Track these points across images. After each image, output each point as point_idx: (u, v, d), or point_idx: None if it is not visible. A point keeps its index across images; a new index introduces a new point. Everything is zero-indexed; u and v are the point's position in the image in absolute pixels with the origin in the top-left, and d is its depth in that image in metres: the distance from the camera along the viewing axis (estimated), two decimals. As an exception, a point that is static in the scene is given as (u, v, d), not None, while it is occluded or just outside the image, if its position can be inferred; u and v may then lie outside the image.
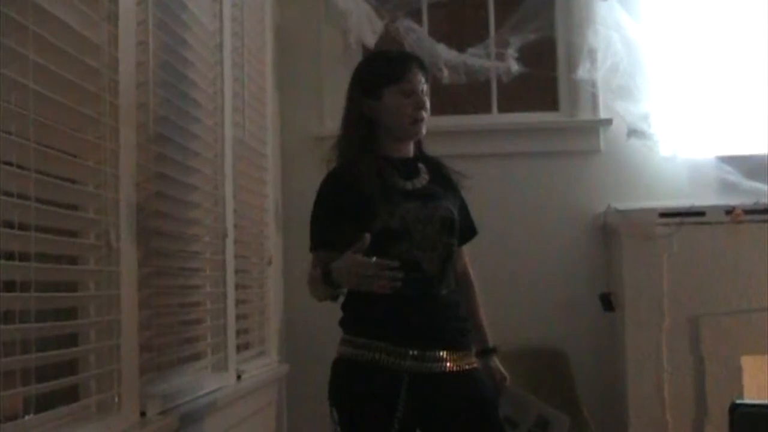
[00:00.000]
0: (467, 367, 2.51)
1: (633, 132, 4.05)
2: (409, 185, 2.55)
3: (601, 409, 3.94)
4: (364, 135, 2.57)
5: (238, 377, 3.20)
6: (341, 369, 2.49)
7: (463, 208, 2.67)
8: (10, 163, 1.72)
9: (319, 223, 2.51)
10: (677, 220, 3.82)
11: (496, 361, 2.69)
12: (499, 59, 4.12)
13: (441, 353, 2.46)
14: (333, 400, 2.48)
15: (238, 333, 3.27)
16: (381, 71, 2.61)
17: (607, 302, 3.97)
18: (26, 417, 1.82)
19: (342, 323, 2.54)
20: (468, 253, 2.72)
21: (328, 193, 2.55)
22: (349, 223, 2.45)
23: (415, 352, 2.43)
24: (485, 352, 2.68)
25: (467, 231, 2.68)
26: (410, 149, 2.64)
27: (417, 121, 2.56)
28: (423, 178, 2.59)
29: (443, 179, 2.65)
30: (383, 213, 2.45)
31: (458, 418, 2.48)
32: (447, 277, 2.53)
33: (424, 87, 2.59)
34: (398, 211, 2.47)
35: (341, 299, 2.53)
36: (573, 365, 3.94)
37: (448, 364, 2.47)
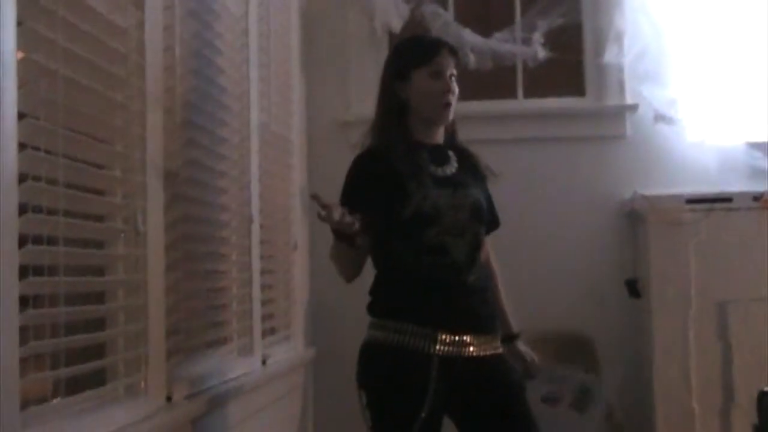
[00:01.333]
0: (493, 351, 2.52)
1: (660, 117, 4.02)
2: (440, 171, 2.55)
3: (627, 396, 3.92)
4: (397, 118, 2.58)
5: (264, 362, 3.21)
6: (371, 353, 2.50)
7: (489, 199, 2.68)
8: (38, 148, 1.73)
9: (346, 198, 2.49)
10: (705, 206, 3.79)
11: (522, 345, 2.70)
12: (525, 44, 4.10)
13: (469, 338, 2.47)
14: (362, 383, 2.49)
15: (263, 318, 3.28)
16: (411, 53, 2.63)
17: (633, 289, 3.95)
18: (55, 400, 1.83)
19: (371, 308, 2.55)
20: (491, 242, 2.72)
21: (360, 172, 2.55)
22: (380, 204, 2.45)
23: (445, 336, 2.44)
24: (510, 338, 2.68)
25: (491, 222, 2.68)
26: (441, 135, 2.64)
27: (445, 104, 2.56)
28: (453, 165, 2.59)
29: (472, 168, 2.65)
30: (416, 197, 2.46)
31: (486, 402, 2.49)
32: (475, 263, 2.53)
33: (454, 71, 2.60)
34: (430, 196, 2.47)
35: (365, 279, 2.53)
36: (599, 352, 3.92)
37: (475, 348, 2.48)
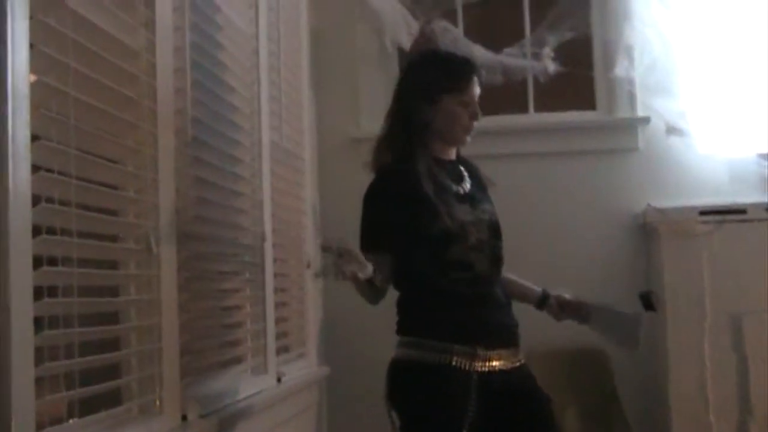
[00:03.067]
0: (518, 363, 2.55)
1: (672, 130, 4.01)
2: (460, 189, 2.58)
3: (642, 409, 3.90)
4: (419, 136, 2.57)
5: (278, 380, 3.21)
6: (406, 372, 2.48)
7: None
8: (51, 170, 1.74)
9: (373, 223, 2.50)
10: (718, 218, 3.78)
11: (561, 296, 2.71)
12: (535, 59, 4.10)
13: (500, 351, 2.50)
14: (396, 403, 2.46)
15: (277, 336, 3.28)
16: (442, 78, 2.60)
17: (648, 302, 3.92)
18: (70, 421, 1.83)
19: (401, 327, 2.54)
20: None
21: (385, 192, 2.54)
22: (406, 224, 2.46)
23: (482, 353, 2.46)
24: (545, 298, 2.70)
25: None
26: (454, 152, 2.67)
27: (469, 130, 2.59)
28: (467, 181, 2.62)
29: (479, 182, 2.68)
30: (443, 215, 2.47)
31: (520, 414, 2.50)
32: (497, 277, 2.57)
33: (478, 93, 2.62)
34: (455, 213, 2.49)
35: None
36: (614, 364, 3.91)
37: (504, 361, 2.50)
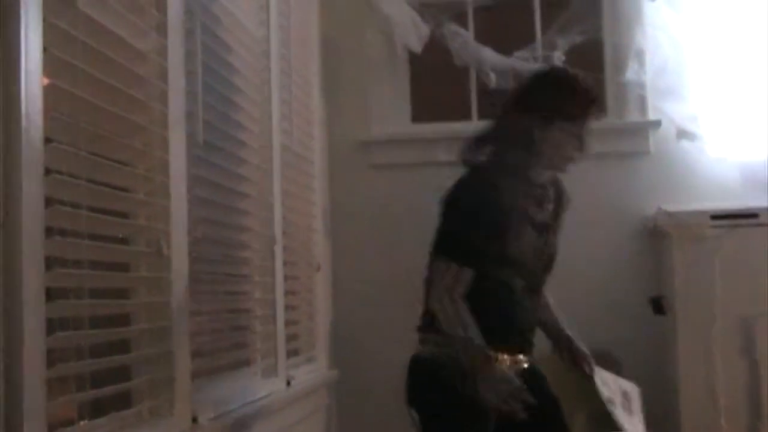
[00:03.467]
0: (532, 361, 2.65)
1: (682, 133, 4.01)
2: (539, 215, 2.61)
3: (652, 414, 3.89)
4: (521, 150, 2.56)
5: (288, 383, 3.22)
6: (432, 370, 2.53)
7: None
8: (63, 172, 1.75)
9: (470, 235, 2.49)
10: (729, 222, 3.76)
11: (578, 349, 2.80)
12: (545, 62, 4.10)
13: (519, 354, 2.60)
14: (419, 401, 2.53)
15: (287, 339, 3.28)
16: (562, 104, 2.58)
17: (658, 306, 3.92)
18: (81, 423, 1.84)
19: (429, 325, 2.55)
20: None
21: (482, 205, 2.50)
22: (485, 240, 2.48)
23: (506, 354, 2.53)
24: (563, 349, 2.80)
25: None
26: (549, 173, 2.68)
27: (571, 160, 2.60)
28: (549, 206, 2.65)
29: (560, 206, 2.70)
30: (515, 238, 2.51)
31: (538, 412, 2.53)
32: (537, 306, 2.69)
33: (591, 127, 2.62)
34: (524, 240, 2.54)
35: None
36: (623, 369, 3.89)
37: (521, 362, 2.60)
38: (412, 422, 2.47)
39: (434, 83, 4.30)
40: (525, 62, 4.10)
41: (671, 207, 3.89)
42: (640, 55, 4.03)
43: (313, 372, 3.66)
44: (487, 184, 2.53)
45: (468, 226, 2.48)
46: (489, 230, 2.47)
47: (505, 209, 2.49)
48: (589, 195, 4.09)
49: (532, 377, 2.57)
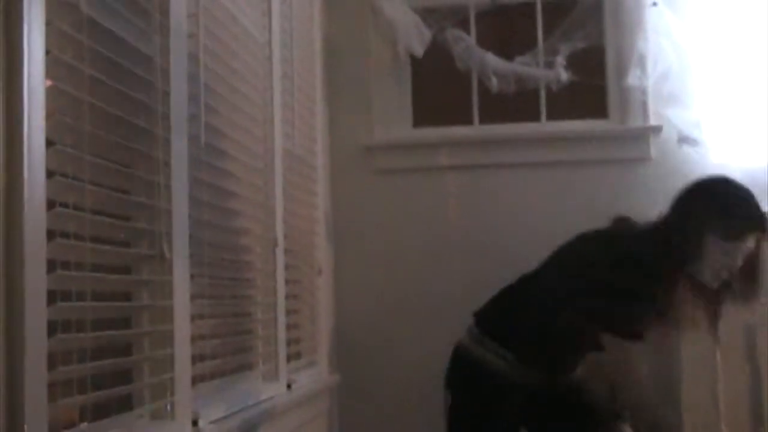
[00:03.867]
0: None
1: (684, 139, 4.00)
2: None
3: (654, 419, 3.88)
4: (670, 257, 2.57)
5: (289, 387, 3.21)
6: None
7: None
8: (65, 175, 1.75)
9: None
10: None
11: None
12: (548, 67, 4.10)
13: None
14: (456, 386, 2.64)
15: (288, 343, 3.28)
16: (719, 219, 2.58)
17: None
18: (82, 425, 1.84)
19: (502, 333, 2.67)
20: None
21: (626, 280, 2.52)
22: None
23: None
24: None
25: None
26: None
27: (717, 278, 2.59)
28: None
29: None
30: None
31: None
32: None
33: (751, 248, 2.58)
34: None
35: None
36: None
37: None
38: (444, 404, 2.51)
39: (436, 88, 4.31)
40: (527, 67, 4.11)
41: (673, 212, 3.88)
42: (642, 61, 4.03)
43: (314, 376, 3.66)
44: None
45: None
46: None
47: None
48: (591, 200, 4.10)
49: None
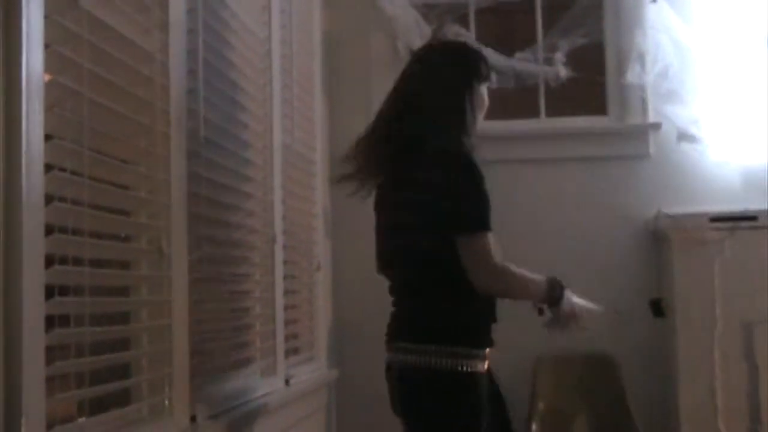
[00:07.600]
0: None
1: (683, 136, 4.01)
2: None
3: (651, 417, 3.89)
4: (465, 122, 2.52)
5: (287, 382, 3.21)
6: (437, 382, 2.39)
7: None
8: (64, 169, 1.75)
9: (486, 202, 2.40)
10: (729, 225, 3.76)
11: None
12: (547, 64, 4.10)
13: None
14: (419, 414, 2.41)
15: (286, 338, 3.28)
16: (479, 67, 2.58)
17: (658, 308, 3.92)
18: (80, 420, 1.84)
19: (433, 334, 2.40)
20: None
21: (482, 176, 2.42)
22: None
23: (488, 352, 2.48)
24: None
25: None
26: None
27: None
28: None
29: None
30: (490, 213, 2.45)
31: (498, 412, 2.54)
32: None
33: None
34: None
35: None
36: (623, 372, 3.90)
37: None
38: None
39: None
40: (527, 63, 4.11)
41: (671, 210, 3.89)
42: (641, 58, 4.03)
43: (312, 371, 3.66)
44: (470, 155, 2.46)
45: (480, 195, 2.39)
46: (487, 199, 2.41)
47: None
48: (590, 197, 4.10)
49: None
